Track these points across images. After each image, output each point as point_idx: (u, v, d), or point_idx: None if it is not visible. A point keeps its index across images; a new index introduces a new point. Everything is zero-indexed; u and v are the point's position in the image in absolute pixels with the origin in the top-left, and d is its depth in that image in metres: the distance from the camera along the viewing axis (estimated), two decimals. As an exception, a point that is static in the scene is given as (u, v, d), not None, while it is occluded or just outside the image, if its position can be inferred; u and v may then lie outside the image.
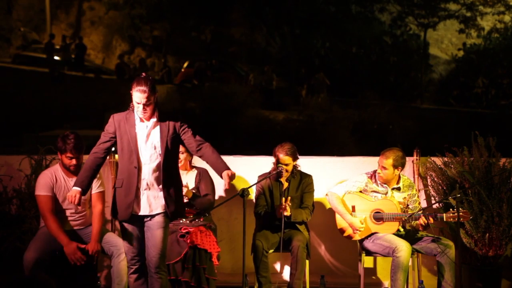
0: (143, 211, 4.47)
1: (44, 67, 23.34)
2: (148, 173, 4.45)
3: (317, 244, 5.97)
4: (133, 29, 30.03)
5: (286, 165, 5.34)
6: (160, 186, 4.46)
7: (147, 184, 4.45)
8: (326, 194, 5.44)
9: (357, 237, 5.30)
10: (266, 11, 27.02)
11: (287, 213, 5.18)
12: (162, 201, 4.47)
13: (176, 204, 4.52)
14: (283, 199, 5.28)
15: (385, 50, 27.68)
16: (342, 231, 5.37)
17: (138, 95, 4.37)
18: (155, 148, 4.46)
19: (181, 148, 5.21)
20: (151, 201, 4.46)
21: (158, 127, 4.48)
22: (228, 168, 4.43)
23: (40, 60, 24.11)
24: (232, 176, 4.40)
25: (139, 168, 4.43)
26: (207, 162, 4.53)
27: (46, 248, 4.93)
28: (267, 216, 5.36)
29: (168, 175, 4.48)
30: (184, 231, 5.15)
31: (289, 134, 15.84)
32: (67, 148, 4.95)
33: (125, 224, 4.54)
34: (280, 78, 24.33)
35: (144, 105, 4.38)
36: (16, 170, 5.63)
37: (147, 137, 4.46)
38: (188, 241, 5.07)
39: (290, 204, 5.21)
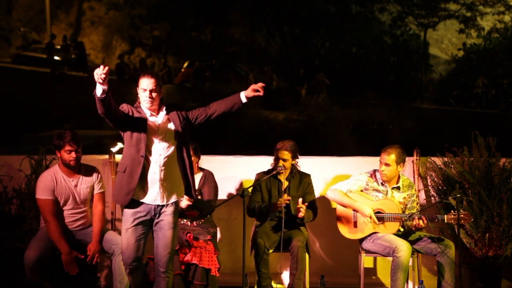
0: (160, 201, 4.50)
1: (44, 67, 23.34)
2: (164, 164, 4.47)
3: (317, 243, 5.97)
4: (133, 29, 30.02)
5: (285, 160, 5.32)
6: (178, 175, 4.54)
7: (164, 174, 4.48)
8: (327, 192, 5.42)
9: (356, 236, 5.30)
10: (266, 11, 27.02)
11: (302, 214, 5.19)
12: (178, 189, 4.55)
13: (195, 188, 4.66)
14: (285, 195, 5.27)
15: (385, 50, 27.69)
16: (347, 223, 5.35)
17: (146, 81, 4.42)
18: (170, 139, 4.50)
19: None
20: (168, 191, 4.51)
21: (170, 119, 4.52)
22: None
23: (40, 60, 24.11)
24: (256, 85, 4.47)
25: (146, 158, 4.45)
26: (223, 109, 4.54)
27: (47, 247, 4.93)
28: (260, 212, 5.35)
29: (189, 161, 4.57)
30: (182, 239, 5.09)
31: (289, 134, 15.84)
32: (65, 142, 4.93)
33: (131, 227, 4.52)
34: (280, 78, 24.34)
35: (151, 91, 4.41)
36: (16, 170, 5.62)
37: (160, 129, 4.49)
38: (186, 259, 5.04)
39: (305, 205, 5.21)
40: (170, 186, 4.51)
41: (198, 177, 5.41)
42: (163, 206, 4.51)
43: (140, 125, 4.45)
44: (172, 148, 4.50)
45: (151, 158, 4.46)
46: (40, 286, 2.83)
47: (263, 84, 4.51)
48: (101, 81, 4.10)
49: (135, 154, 4.44)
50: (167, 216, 4.51)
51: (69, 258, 4.88)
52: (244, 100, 4.53)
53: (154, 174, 4.46)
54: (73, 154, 4.96)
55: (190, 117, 4.56)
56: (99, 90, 4.17)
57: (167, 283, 4.58)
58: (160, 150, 4.47)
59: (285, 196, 5.24)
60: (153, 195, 4.48)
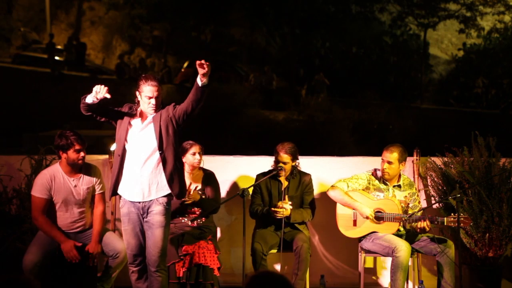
0: (139, 197, 4.56)
1: (44, 67, 23.33)
2: (144, 162, 4.52)
3: (317, 243, 5.97)
4: (133, 29, 30.01)
5: (285, 163, 5.33)
6: (159, 173, 4.55)
7: (144, 173, 4.53)
8: (328, 189, 5.39)
9: (355, 234, 5.30)
10: (266, 11, 26.98)
11: (286, 213, 5.19)
12: (160, 186, 4.56)
13: (179, 185, 4.62)
14: (286, 196, 5.27)
15: (385, 50, 27.66)
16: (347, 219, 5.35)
17: (151, 89, 4.50)
18: (150, 137, 4.53)
19: (198, 149, 5.29)
20: (147, 189, 4.55)
21: (153, 118, 4.56)
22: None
23: (40, 60, 24.09)
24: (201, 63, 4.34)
25: (127, 157, 4.55)
26: (193, 99, 4.49)
27: (46, 250, 4.93)
28: (263, 214, 5.35)
29: (176, 160, 4.56)
30: (184, 252, 5.08)
31: (289, 134, 15.83)
32: (73, 141, 4.91)
33: (127, 227, 4.62)
34: (280, 78, 24.32)
35: (156, 98, 4.50)
36: (16, 170, 5.63)
37: (141, 128, 4.55)
38: (189, 259, 5.05)
39: (287, 204, 5.20)
40: (150, 184, 4.54)
41: (199, 177, 5.42)
42: (150, 204, 4.55)
43: (122, 123, 4.56)
44: (153, 147, 4.53)
45: (131, 157, 4.54)
46: (29, 285, 2.82)
47: (202, 62, 4.36)
48: (96, 100, 4.37)
49: (116, 152, 4.59)
50: (154, 215, 4.55)
51: (67, 246, 4.88)
52: (199, 82, 4.46)
53: (133, 172, 4.54)
54: (82, 153, 4.96)
55: (176, 117, 4.56)
56: (89, 100, 4.42)
57: (160, 282, 4.60)
58: (140, 150, 4.53)
59: (281, 203, 5.23)
60: (133, 192, 4.56)
